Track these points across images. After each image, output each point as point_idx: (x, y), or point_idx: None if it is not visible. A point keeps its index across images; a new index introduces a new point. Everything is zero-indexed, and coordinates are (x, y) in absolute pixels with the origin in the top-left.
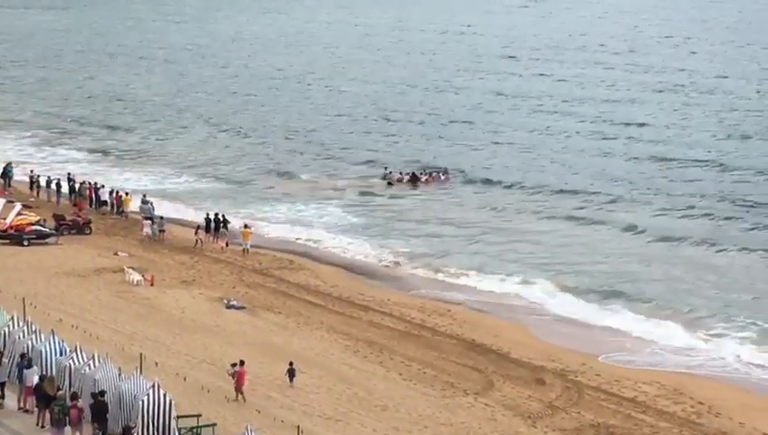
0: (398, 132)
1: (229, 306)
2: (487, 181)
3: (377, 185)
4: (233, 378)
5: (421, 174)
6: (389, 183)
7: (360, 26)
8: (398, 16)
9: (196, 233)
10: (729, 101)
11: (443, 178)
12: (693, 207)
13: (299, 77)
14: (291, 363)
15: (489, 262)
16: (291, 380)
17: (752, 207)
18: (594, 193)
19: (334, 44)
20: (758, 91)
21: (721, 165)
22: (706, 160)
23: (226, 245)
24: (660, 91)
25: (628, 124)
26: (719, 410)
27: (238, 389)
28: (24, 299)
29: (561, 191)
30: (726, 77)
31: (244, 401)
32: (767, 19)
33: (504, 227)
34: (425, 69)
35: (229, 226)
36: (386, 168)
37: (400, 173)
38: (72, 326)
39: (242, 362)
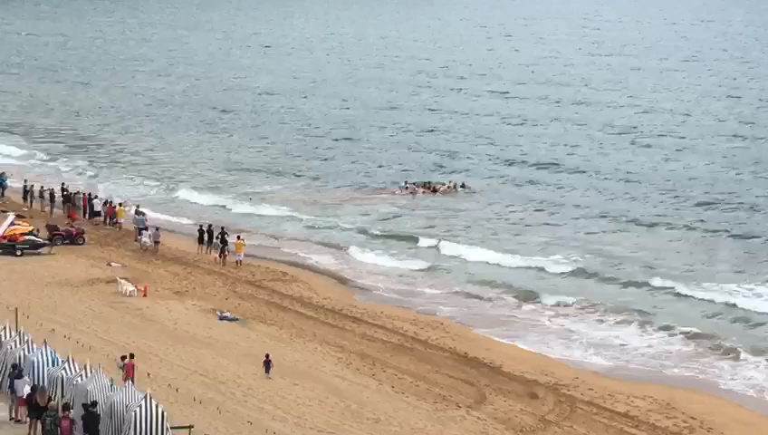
0: (400, 146)
1: (222, 318)
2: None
3: (381, 196)
4: (122, 370)
5: (434, 184)
6: (407, 191)
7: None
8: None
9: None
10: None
11: (458, 191)
12: (673, 227)
13: (299, 88)
14: (267, 356)
15: (482, 277)
16: (267, 371)
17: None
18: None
19: (328, 55)
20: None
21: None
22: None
23: (224, 258)
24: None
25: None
26: (711, 425)
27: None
28: (16, 309)
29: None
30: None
31: None
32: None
33: (502, 239)
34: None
35: (228, 239)
36: (406, 182)
37: (409, 184)
38: (65, 337)
39: (131, 356)
